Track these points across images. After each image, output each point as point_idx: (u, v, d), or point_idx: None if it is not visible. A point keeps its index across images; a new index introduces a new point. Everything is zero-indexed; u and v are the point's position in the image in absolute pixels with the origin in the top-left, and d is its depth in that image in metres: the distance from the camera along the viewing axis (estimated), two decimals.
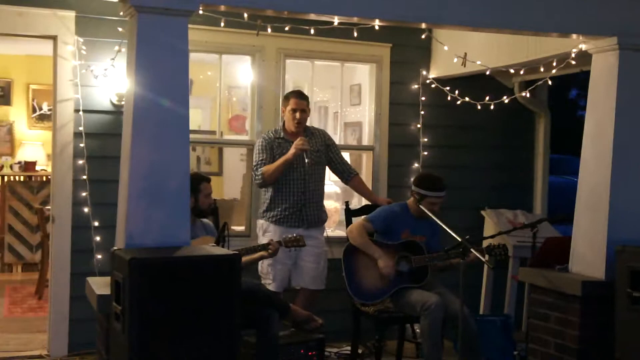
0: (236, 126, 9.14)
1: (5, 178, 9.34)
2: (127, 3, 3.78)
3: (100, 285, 4.03)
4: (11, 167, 9.51)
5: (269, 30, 5.59)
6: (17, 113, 10.48)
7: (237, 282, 3.53)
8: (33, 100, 10.41)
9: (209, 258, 3.58)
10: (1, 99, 10.41)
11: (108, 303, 3.69)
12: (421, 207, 5.24)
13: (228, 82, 8.81)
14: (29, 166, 9.54)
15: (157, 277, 3.38)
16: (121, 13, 4.04)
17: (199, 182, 4.98)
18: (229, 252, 3.88)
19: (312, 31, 5.63)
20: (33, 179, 9.38)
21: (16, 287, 8.49)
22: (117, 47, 5.58)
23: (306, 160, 5.53)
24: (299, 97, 5.67)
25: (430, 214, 5.11)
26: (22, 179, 9.40)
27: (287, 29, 5.49)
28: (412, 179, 6.10)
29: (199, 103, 9.16)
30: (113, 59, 5.63)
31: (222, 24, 5.40)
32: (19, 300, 7.80)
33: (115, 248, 3.80)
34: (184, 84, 3.88)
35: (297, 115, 5.62)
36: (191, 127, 7.99)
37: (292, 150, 5.52)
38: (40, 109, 10.22)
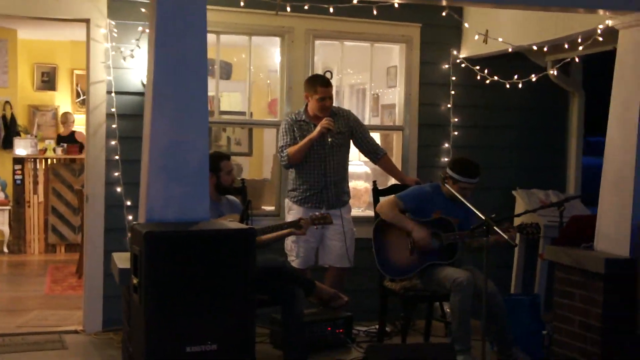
0: (274, 109, 9.18)
1: (49, 161, 9.59)
2: None
3: (122, 259, 4.14)
4: (54, 150, 9.75)
5: (288, 9, 5.59)
6: (62, 98, 10.75)
7: (252, 257, 3.59)
8: (77, 85, 10.66)
9: (223, 232, 3.65)
10: (47, 84, 10.70)
11: (129, 276, 3.79)
12: (447, 186, 5.25)
13: (267, 65, 8.87)
14: (71, 149, 9.76)
15: (171, 250, 3.47)
16: None
17: (219, 160, 5.07)
18: (244, 226, 3.95)
19: (331, 10, 5.60)
20: (76, 162, 9.61)
21: (58, 266, 8.72)
22: (140, 28, 5.67)
23: (329, 140, 5.57)
24: (326, 85, 5.66)
25: (456, 193, 5.13)
26: (64, 161, 9.65)
27: (306, 7, 5.49)
28: (447, 160, 6.12)
29: (237, 87, 9.23)
30: (138, 39, 5.72)
31: (242, 4, 5.43)
32: (60, 279, 8.02)
33: (135, 222, 3.91)
34: (203, 63, 3.94)
35: (327, 103, 5.65)
36: (229, 110, 8.16)
37: (317, 129, 5.56)
38: (84, 93, 10.42)
